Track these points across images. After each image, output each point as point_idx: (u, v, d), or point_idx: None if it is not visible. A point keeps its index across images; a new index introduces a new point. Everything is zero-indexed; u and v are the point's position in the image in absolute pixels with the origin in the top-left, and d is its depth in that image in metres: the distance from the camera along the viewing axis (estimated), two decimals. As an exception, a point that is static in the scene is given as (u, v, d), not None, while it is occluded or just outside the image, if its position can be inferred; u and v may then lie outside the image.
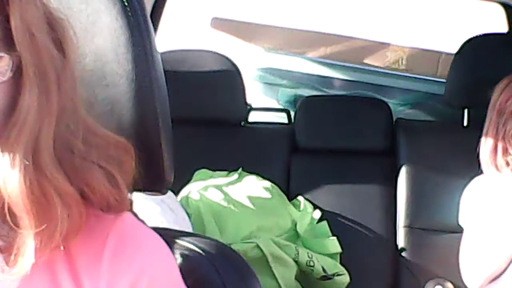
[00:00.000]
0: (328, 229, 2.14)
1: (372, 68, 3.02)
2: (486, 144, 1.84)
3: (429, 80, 2.91)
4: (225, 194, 2.09)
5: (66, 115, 0.66)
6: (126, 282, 0.67)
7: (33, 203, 0.63)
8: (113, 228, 0.69)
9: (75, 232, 0.66)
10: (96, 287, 0.66)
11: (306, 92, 2.77)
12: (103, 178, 0.68)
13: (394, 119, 2.32)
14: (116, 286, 0.66)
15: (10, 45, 0.63)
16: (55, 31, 0.66)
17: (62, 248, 0.66)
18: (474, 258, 1.76)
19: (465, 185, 1.93)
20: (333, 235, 2.13)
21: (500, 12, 2.54)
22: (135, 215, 0.77)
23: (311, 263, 2.02)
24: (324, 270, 2.03)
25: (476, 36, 2.14)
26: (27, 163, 0.62)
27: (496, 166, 1.82)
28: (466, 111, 2.19)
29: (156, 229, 0.73)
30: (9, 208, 0.63)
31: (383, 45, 3.10)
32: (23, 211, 0.63)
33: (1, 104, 0.63)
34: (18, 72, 0.64)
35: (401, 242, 2.12)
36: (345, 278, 2.07)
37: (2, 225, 0.66)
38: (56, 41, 0.66)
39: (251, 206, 2.07)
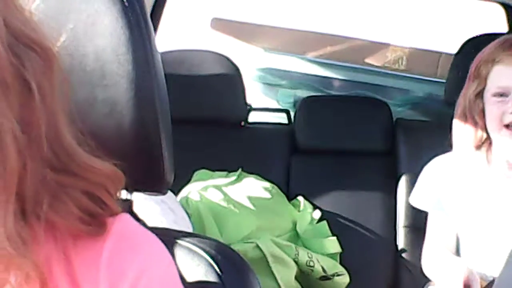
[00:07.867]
0: (328, 229, 2.14)
1: (372, 68, 3.02)
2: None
3: (429, 80, 2.91)
4: (225, 194, 2.09)
5: (46, 147, 0.63)
6: (125, 284, 0.66)
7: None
8: (110, 231, 0.68)
9: None
10: None
11: (306, 93, 2.77)
12: (83, 203, 0.66)
13: (394, 119, 2.32)
14: None
15: None
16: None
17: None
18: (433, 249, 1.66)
19: None
20: (333, 235, 2.13)
21: (500, 12, 2.54)
22: (135, 215, 0.77)
23: (311, 263, 2.02)
24: (324, 270, 2.03)
25: (476, 36, 2.13)
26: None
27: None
28: (466, 111, 2.19)
29: (156, 229, 0.73)
30: None
31: (383, 45, 3.10)
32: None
33: None
34: None
35: (401, 242, 2.12)
36: (345, 278, 2.07)
37: None
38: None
39: (251, 206, 2.07)
